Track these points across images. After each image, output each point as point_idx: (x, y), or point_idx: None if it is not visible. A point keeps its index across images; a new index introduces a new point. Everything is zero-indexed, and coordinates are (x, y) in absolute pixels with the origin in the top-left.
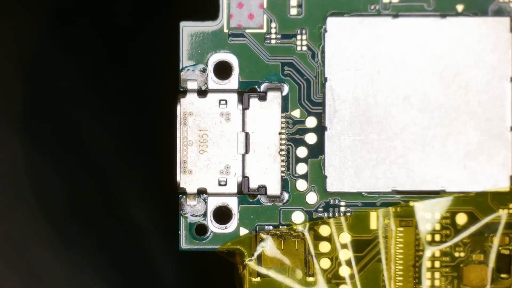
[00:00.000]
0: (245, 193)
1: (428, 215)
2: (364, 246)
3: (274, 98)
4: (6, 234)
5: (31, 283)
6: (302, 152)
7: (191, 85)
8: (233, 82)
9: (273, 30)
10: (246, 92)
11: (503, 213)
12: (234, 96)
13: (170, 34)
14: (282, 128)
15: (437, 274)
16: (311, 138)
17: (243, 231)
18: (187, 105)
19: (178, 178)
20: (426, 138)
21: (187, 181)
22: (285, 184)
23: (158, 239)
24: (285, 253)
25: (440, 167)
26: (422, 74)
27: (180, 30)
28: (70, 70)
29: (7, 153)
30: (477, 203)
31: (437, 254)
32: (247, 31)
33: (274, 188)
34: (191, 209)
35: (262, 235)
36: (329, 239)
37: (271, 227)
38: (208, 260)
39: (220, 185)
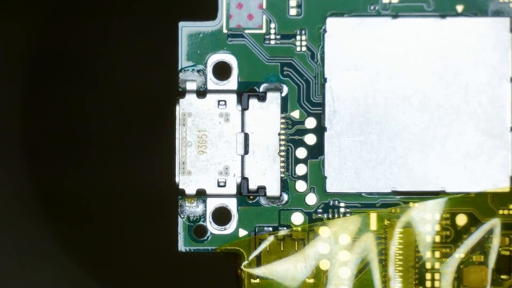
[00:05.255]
0: (244, 194)
1: (428, 216)
2: (364, 247)
3: (274, 99)
4: (6, 234)
5: (30, 283)
6: (301, 153)
7: (190, 86)
8: (232, 82)
9: (272, 31)
10: (245, 92)
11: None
12: (233, 96)
13: (169, 35)
14: (281, 129)
15: (437, 275)
16: (310, 139)
17: (243, 233)
18: (186, 105)
19: (177, 179)
20: (426, 138)
21: (186, 182)
22: (285, 185)
23: (157, 240)
24: (285, 254)
25: (440, 167)
26: (422, 74)
27: (179, 30)
28: (69, 70)
29: (7, 153)
30: (477, 204)
31: (437, 255)
32: (246, 31)
33: (273, 189)
34: (190, 210)
35: (262, 237)
36: (328, 240)
37: (270, 228)
38: (207, 261)
39: (219, 186)
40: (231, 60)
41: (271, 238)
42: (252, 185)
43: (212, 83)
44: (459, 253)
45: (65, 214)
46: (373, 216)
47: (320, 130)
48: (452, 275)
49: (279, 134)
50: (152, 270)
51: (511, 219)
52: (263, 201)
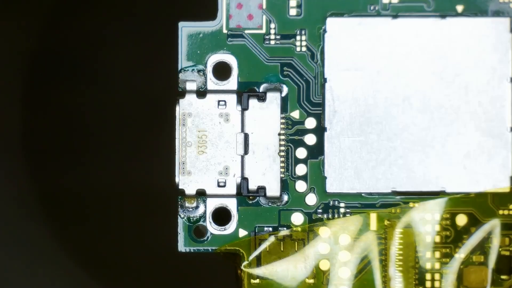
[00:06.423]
0: (244, 194)
1: (428, 216)
2: (364, 247)
3: (273, 99)
4: (6, 234)
5: (30, 283)
6: (301, 153)
7: (190, 86)
8: (232, 83)
9: (272, 31)
10: (245, 92)
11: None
12: (233, 97)
13: (169, 35)
14: (281, 129)
15: (437, 276)
16: (310, 139)
17: (242, 233)
18: (186, 106)
19: (177, 179)
20: (426, 138)
21: (186, 182)
22: (285, 185)
23: (157, 240)
24: (285, 254)
25: (440, 167)
26: (422, 75)
27: (179, 30)
28: (69, 70)
29: (7, 153)
30: (477, 204)
31: (438, 255)
32: (246, 31)
33: (273, 189)
34: (190, 210)
35: (262, 237)
36: (328, 240)
37: (270, 229)
38: (207, 261)
39: (219, 186)
40: (231, 60)
41: (271, 239)
42: (252, 185)
43: (212, 83)
44: (460, 254)
45: (65, 214)
46: (373, 217)
47: (320, 130)
48: (452, 276)
49: (279, 134)
50: (152, 270)
51: (511, 219)
52: (263, 201)
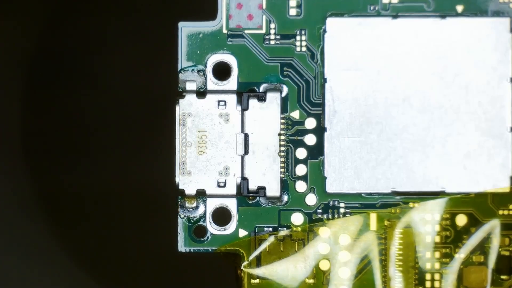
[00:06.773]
0: (244, 194)
1: (428, 216)
2: (364, 247)
3: (273, 99)
4: (5, 234)
5: (30, 283)
6: (301, 153)
7: (190, 86)
8: (232, 83)
9: (272, 31)
10: (245, 92)
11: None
12: (233, 97)
13: (169, 35)
14: (281, 129)
15: (437, 276)
16: (310, 139)
17: (242, 233)
18: (186, 106)
19: (177, 179)
20: (426, 138)
21: (186, 182)
22: (285, 186)
23: (157, 240)
24: (285, 254)
25: (440, 167)
26: (422, 75)
27: (178, 30)
28: (69, 70)
29: (7, 153)
30: (477, 204)
31: (437, 255)
32: (246, 31)
33: (273, 190)
34: (190, 210)
35: (261, 237)
36: (328, 240)
37: (270, 229)
38: (207, 261)
39: (219, 186)
40: (231, 60)
41: (271, 239)
42: (252, 186)
43: (212, 83)
44: (460, 254)
45: (65, 214)
46: (373, 217)
47: (320, 131)
48: (452, 276)
49: (279, 134)
50: (152, 270)
51: (511, 220)
52: (263, 201)
